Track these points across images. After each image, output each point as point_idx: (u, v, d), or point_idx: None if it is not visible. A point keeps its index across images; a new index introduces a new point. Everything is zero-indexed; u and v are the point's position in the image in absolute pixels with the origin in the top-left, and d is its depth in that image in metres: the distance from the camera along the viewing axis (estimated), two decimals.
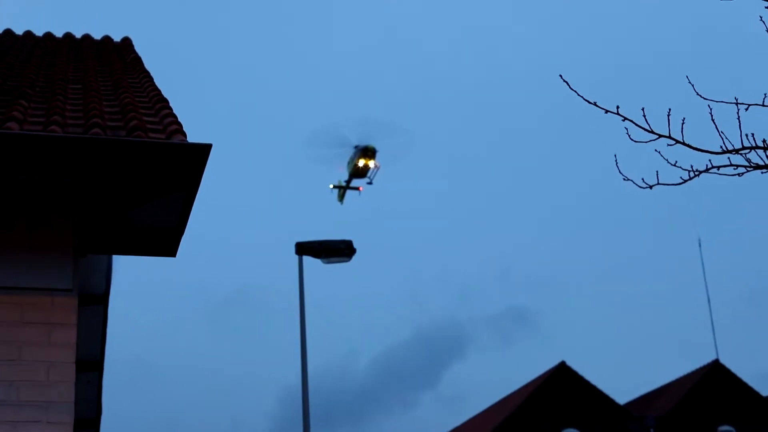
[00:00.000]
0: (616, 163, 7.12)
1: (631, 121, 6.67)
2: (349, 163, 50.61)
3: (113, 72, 10.79)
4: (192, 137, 7.84)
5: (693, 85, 6.86)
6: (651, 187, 6.93)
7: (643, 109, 6.71)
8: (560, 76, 7.04)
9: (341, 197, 51.99)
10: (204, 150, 7.55)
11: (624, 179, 7.10)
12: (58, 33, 14.09)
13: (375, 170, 50.45)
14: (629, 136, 6.76)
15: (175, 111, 8.73)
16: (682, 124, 6.64)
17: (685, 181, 6.76)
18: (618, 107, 6.70)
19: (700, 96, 6.80)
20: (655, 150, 6.74)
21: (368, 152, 49.62)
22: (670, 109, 6.65)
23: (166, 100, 9.07)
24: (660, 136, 6.65)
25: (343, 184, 51.45)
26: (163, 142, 7.61)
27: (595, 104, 6.80)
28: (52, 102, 8.77)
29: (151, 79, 10.37)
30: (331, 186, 51.96)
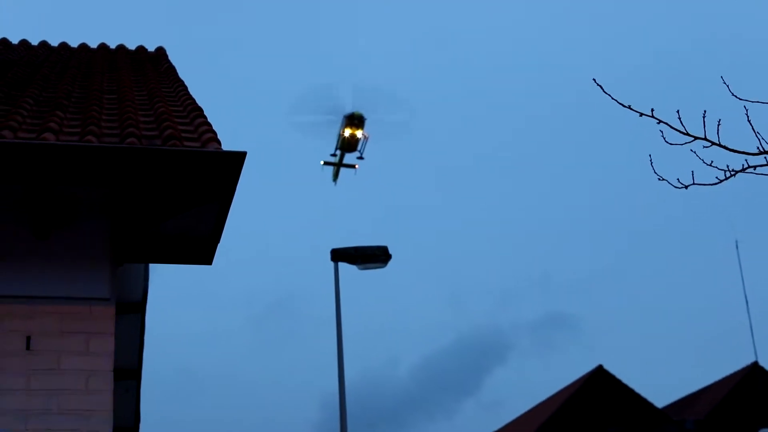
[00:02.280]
0: (651, 164, 7.07)
1: (666, 123, 6.63)
2: (338, 135, 43.56)
3: (148, 82, 10.87)
4: (227, 144, 7.88)
5: (728, 86, 6.81)
6: (686, 187, 6.87)
7: (678, 111, 6.66)
8: (594, 80, 7.00)
9: (335, 176, 44.86)
10: (239, 157, 7.58)
11: (659, 179, 7.05)
12: (91, 42, 14.24)
13: (364, 141, 43.30)
14: (664, 138, 6.71)
15: (208, 119, 8.79)
16: (718, 125, 6.59)
17: (721, 181, 6.70)
18: (653, 110, 6.65)
19: (736, 96, 6.74)
20: (691, 150, 6.70)
21: (354, 120, 42.49)
22: (705, 111, 6.60)
23: (200, 109, 9.12)
24: (695, 138, 6.60)
25: (335, 160, 44.35)
26: (197, 151, 7.65)
27: (629, 107, 6.75)
28: (88, 112, 8.84)
29: (185, 88, 10.44)
30: (322, 163, 44.58)
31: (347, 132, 42.73)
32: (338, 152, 43.83)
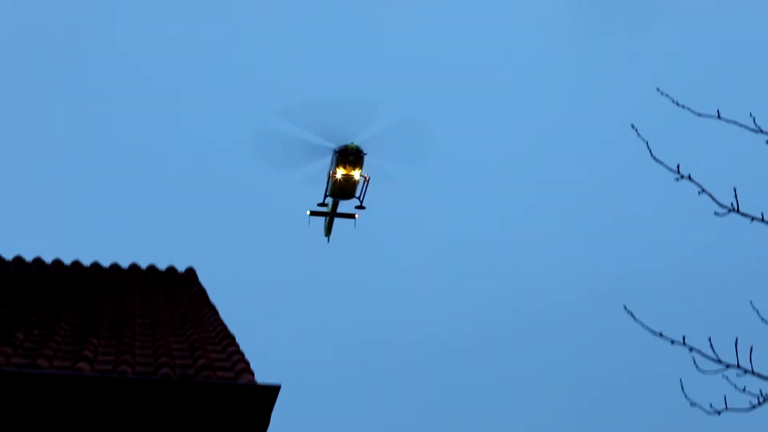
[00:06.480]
0: (682, 389, 7.08)
1: (698, 351, 6.66)
2: (328, 177, 30.71)
3: (179, 305, 11.00)
4: (260, 372, 7.89)
5: (758, 311, 6.87)
6: (719, 413, 6.85)
7: (709, 339, 6.69)
8: (624, 306, 7.09)
9: (328, 230, 32.61)
10: (272, 392, 7.59)
11: (691, 405, 7.03)
12: (122, 259, 14.46)
13: (364, 184, 30.31)
14: (697, 366, 6.72)
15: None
16: (750, 352, 6.61)
17: (754, 407, 6.70)
18: (684, 338, 6.69)
19: (766, 322, 6.80)
20: (723, 376, 6.69)
21: (348, 156, 29.75)
22: (737, 338, 6.63)
23: (232, 337, 9.20)
24: (728, 366, 6.62)
25: (326, 209, 31.75)
26: (230, 384, 7.67)
27: (660, 335, 6.80)
28: (122, 339, 8.92)
29: (217, 313, 10.55)
30: (309, 213, 31.73)
31: (339, 173, 30.26)
32: (329, 200, 31.75)
